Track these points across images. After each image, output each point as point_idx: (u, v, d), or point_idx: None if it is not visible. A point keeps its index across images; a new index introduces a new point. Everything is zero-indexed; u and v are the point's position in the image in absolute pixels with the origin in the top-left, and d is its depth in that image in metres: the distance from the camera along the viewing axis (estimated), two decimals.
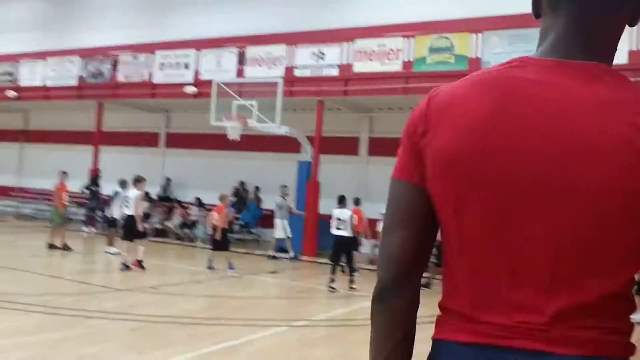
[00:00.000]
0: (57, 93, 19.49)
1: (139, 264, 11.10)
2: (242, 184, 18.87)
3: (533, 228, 1.03)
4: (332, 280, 10.02)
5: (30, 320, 6.77)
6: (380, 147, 17.25)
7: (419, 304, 1.21)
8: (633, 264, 1.05)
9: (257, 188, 18.39)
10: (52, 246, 13.25)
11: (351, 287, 10.15)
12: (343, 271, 10.76)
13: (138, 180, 11.63)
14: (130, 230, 11.30)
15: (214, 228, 11.61)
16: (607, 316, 1.04)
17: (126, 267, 10.99)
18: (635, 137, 0.99)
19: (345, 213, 10.34)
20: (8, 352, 5.46)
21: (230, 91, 14.61)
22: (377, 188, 16.76)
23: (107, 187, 18.66)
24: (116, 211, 13.16)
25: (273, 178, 17.84)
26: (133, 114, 20.70)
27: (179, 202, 18.25)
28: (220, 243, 11.52)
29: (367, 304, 1.23)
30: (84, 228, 17.43)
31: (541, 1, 1.16)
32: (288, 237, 14.53)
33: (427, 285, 9.15)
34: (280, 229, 14.46)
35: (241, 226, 17.84)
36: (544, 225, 1.02)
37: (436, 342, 1.15)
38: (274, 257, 14.35)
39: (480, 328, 1.07)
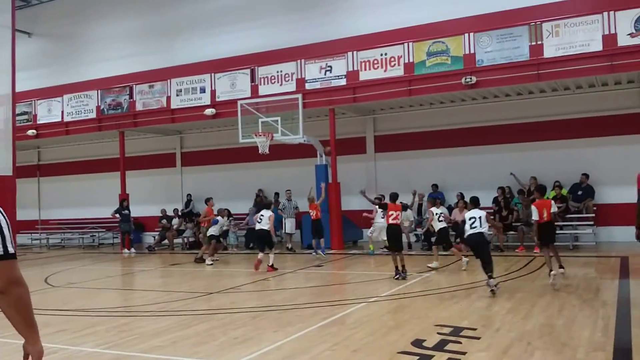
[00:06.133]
0: (77, 127, 20.70)
1: (272, 267, 12.93)
2: (260, 191, 20.38)
3: None
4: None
5: (173, 320, 8.29)
6: (385, 143, 19.04)
7: None
8: None
9: (276, 194, 19.89)
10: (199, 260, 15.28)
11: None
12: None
13: (270, 202, 14.15)
14: (263, 242, 13.30)
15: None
16: None
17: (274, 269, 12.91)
18: None
19: (477, 212, 9.71)
20: (175, 343, 6.96)
21: (252, 109, 16.11)
22: (383, 181, 18.58)
23: (134, 210, 20.02)
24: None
25: (290, 183, 19.46)
26: (148, 138, 22.04)
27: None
28: None
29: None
30: (125, 250, 18.73)
31: None
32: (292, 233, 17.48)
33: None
34: (291, 227, 17.47)
35: None
36: None
37: None
38: (292, 249, 16.69)
39: None
